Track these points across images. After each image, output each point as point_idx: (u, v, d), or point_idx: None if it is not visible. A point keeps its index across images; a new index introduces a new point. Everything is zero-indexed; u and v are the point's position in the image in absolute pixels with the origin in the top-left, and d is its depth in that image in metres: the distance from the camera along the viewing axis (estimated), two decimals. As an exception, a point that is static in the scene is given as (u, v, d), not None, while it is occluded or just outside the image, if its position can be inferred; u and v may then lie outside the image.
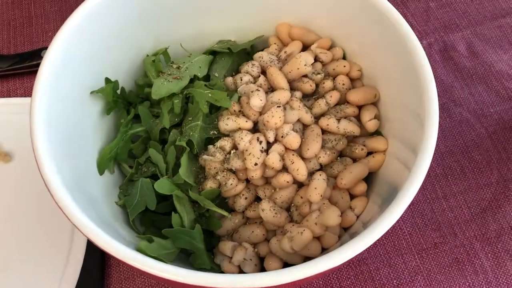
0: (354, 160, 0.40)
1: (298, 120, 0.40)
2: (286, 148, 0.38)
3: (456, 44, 0.59)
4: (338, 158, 0.40)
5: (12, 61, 0.55)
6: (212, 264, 0.38)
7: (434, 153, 0.33)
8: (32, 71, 0.55)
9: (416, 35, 0.38)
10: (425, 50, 0.37)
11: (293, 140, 0.38)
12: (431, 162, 0.33)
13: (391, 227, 0.31)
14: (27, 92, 0.55)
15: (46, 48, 0.55)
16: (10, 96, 0.55)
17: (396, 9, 0.39)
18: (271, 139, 0.38)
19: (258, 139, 0.38)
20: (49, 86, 0.36)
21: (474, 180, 0.50)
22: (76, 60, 0.39)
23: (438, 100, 0.35)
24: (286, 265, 0.38)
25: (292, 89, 0.42)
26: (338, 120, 0.40)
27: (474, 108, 0.55)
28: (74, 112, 0.39)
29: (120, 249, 0.30)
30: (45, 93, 0.36)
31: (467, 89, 0.56)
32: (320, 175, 0.38)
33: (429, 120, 0.34)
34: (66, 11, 0.61)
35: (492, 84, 0.56)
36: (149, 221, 0.41)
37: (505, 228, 0.47)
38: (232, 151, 0.39)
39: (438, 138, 0.34)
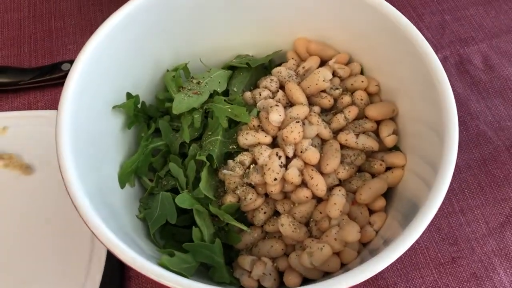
0: (373, 175, 0.40)
1: (317, 135, 0.40)
2: (305, 163, 0.39)
3: (471, 57, 0.59)
4: (357, 173, 0.40)
5: (33, 74, 0.56)
6: (231, 278, 0.38)
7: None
8: (53, 84, 0.56)
9: (432, 49, 0.38)
10: (440, 63, 0.37)
11: (312, 155, 0.38)
12: (449, 176, 0.33)
13: (410, 243, 0.31)
14: (48, 105, 0.56)
15: (66, 61, 0.57)
16: (31, 109, 0.56)
17: (412, 23, 0.39)
18: (290, 154, 0.39)
19: (277, 154, 0.38)
20: (74, 100, 0.37)
21: (492, 194, 0.50)
22: (99, 75, 0.40)
23: (455, 113, 0.35)
24: (305, 279, 0.38)
25: (311, 104, 0.42)
26: (357, 135, 0.40)
27: (491, 121, 0.55)
28: (97, 126, 0.40)
29: (145, 264, 0.30)
30: (70, 106, 0.36)
31: (484, 102, 0.56)
32: (339, 190, 0.38)
33: (448, 136, 0.34)
34: (86, 25, 0.62)
35: (508, 97, 0.56)
36: (169, 234, 0.41)
37: (523, 243, 0.47)
38: (251, 166, 0.39)
39: (455, 152, 0.34)
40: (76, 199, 0.32)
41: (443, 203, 0.50)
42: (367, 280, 0.46)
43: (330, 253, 0.36)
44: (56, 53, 0.60)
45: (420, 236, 0.48)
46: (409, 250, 0.47)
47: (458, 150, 0.54)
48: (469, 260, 0.46)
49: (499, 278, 0.45)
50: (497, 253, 0.47)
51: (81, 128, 0.37)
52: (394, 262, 0.47)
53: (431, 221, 0.49)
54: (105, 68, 0.40)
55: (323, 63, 0.46)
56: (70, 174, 0.33)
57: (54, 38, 0.61)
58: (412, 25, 0.39)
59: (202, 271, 0.39)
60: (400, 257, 0.48)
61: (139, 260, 0.30)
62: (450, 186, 0.51)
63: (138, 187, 0.44)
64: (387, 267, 0.47)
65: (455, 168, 0.53)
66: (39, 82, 0.56)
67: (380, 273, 0.46)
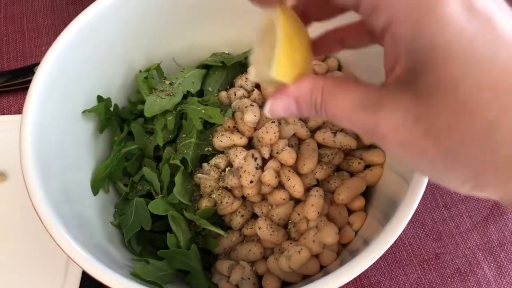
0: (352, 174, 0.39)
1: (294, 135, 0.39)
2: (282, 164, 0.38)
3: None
4: (335, 172, 0.39)
5: (5, 78, 0.54)
6: (209, 283, 0.38)
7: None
8: (26, 88, 0.54)
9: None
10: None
11: (289, 156, 0.37)
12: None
13: (391, 241, 0.31)
14: (21, 109, 0.54)
15: (39, 63, 0.55)
16: (3, 114, 0.54)
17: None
18: (266, 156, 0.38)
19: (253, 156, 0.37)
20: (39, 106, 0.36)
21: (475, 188, 0.49)
22: (67, 77, 0.38)
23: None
24: (284, 283, 0.37)
25: (287, 102, 0.41)
26: (334, 133, 0.39)
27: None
28: (66, 131, 0.38)
29: (112, 276, 0.29)
30: (35, 112, 0.35)
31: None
32: (317, 191, 0.37)
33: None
34: (59, 25, 0.60)
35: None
36: (145, 240, 0.40)
37: (507, 236, 0.46)
38: (227, 169, 0.38)
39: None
40: (38, 207, 0.31)
41: (427, 198, 0.50)
42: (350, 280, 0.45)
43: (308, 256, 0.35)
44: (29, 55, 0.58)
45: (404, 232, 0.48)
46: (392, 247, 0.46)
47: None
48: (453, 255, 0.46)
49: (483, 272, 0.45)
50: (481, 247, 0.46)
51: (47, 134, 0.35)
52: (377, 260, 0.47)
53: (415, 217, 0.49)
54: (73, 70, 0.39)
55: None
56: (33, 182, 0.32)
57: (26, 40, 0.60)
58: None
59: (180, 277, 0.38)
60: (383, 254, 0.47)
61: (107, 273, 0.29)
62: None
63: (113, 192, 0.42)
64: (371, 265, 0.46)
65: (438, 162, 0.52)
66: (11, 86, 0.54)
67: (363, 271, 0.45)
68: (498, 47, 0.18)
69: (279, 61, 0.22)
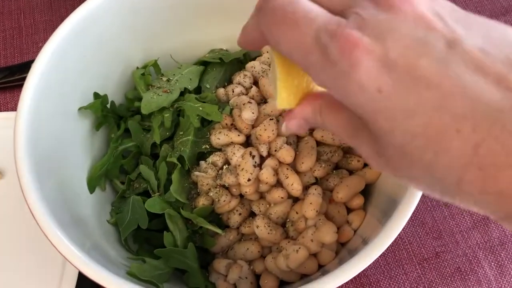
0: (351, 172, 0.39)
1: (292, 132, 0.39)
2: (280, 162, 0.37)
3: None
4: (334, 170, 0.39)
5: (1, 75, 0.54)
6: (206, 282, 0.37)
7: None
8: (23, 84, 0.54)
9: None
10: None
11: (287, 154, 0.37)
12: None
13: (391, 239, 0.30)
14: (18, 106, 0.54)
15: (35, 60, 0.55)
16: (0, 110, 0.54)
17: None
18: (264, 153, 0.37)
19: (251, 154, 0.37)
20: (33, 103, 0.35)
21: (476, 186, 0.49)
22: (63, 74, 0.38)
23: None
24: (282, 282, 0.37)
25: (286, 99, 0.41)
26: (333, 131, 0.39)
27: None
28: (62, 128, 0.38)
29: (107, 276, 0.29)
30: (30, 109, 0.35)
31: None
32: (315, 189, 0.36)
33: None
34: (56, 21, 0.60)
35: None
36: (142, 238, 0.40)
37: (508, 235, 0.46)
38: (224, 167, 0.38)
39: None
40: (32, 206, 0.31)
41: (427, 196, 0.49)
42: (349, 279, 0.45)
43: (306, 255, 0.34)
44: (26, 51, 0.58)
45: (403, 231, 0.47)
46: (392, 246, 0.46)
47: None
48: (453, 254, 0.45)
49: (483, 272, 0.44)
50: (482, 246, 0.46)
51: (42, 131, 0.35)
52: (376, 259, 0.47)
53: (415, 215, 0.48)
54: (69, 67, 0.38)
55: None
56: (27, 180, 0.31)
57: (24, 36, 0.59)
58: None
59: (177, 276, 0.38)
60: (383, 253, 0.47)
61: (101, 272, 0.29)
62: (434, 178, 0.50)
63: (110, 190, 0.42)
64: (370, 264, 0.46)
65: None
66: (8, 83, 0.54)
67: (362, 270, 0.45)
68: (418, 92, 0.19)
69: (280, 95, 0.25)
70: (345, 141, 0.25)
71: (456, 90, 0.18)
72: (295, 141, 0.39)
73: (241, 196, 0.38)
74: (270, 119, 0.37)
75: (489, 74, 0.18)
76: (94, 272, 0.29)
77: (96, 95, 0.41)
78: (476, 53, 0.19)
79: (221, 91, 0.42)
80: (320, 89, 0.26)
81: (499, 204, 0.19)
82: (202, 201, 0.38)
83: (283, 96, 0.25)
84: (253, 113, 0.38)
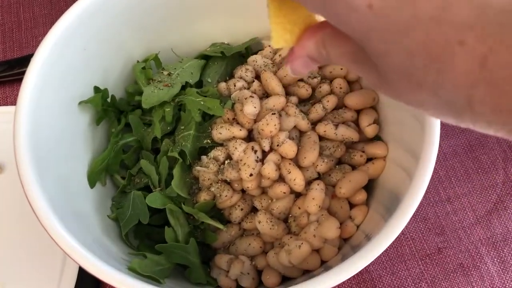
0: (353, 167, 0.39)
1: (295, 127, 0.38)
2: (282, 157, 0.37)
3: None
4: (337, 165, 0.39)
5: (1, 69, 0.53)
6: (208, 278, 0.37)
7: (437, 154, 0.32)
8: (22, 78, 0.54)
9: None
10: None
11: (289, 148, 0.36)
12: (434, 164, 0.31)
13: (393, 236, 0.30)
14: (18, 100, 0.53)
15: (35, 54, 0.54)
16: None
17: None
18: (267, 148, 0.37)
19: (253, 148, 0.36)
20: (34, 96, 0.35)
21: (479, 181, 0.48)
22: (63, 68, 0.37)
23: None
24: (284, 278, 0.37)
25: (288, 94, 0.40)
26: (336, 125, 0.38)
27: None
28: (62, 123, 0.38)
29: (107, 270, 0.28)
30: (30, 103, 0.34)
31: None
32: (318, 184, 0.36)
33: (429, 122, 0.33)
34: (56, 15, 0.59)
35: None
36: (143, 234, 0.40)
37: (511, 231, 0.46)
38: (226, 162, 0.38)
39: (440, 137, 0.32)
40: (32, 201, 0.30)
41: (429, 192, 0.49)
42: (351, 275, 0.45)
43: (308, 251, 0.34)
44: (26, 45, 0.58)
45: (406, 227, 0.47)
46: (394, 241, 0.45)
47: (444, 136, 0.52)
48: (456, 250, 0.45)
49: (486, 267, 0.44)
50: (484, 242, 0.45)
51: (42, 125, 0.35)
52: (379, 255, 0.47)
53: (417, 211, 0.48)
54: (69, 61, 0.38)
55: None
56: (27, 175, 0.31)
57: (23, 29, 0.59)
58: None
59: (178, 272, 0.38)
60: (385, 249, 0.47)
61: (103, 268, 0.28)
62: (436, 174, 0.50)
63: (110, 185, 0.42)
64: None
65: (441, 155, 0.51)
66: (7, 77, 0.54)
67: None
68: (413, 2, 0.17)
69: (274, 31, 0.23)
70: (352, 71, 0.23)
71: None
72: (298, 136, 0.38)
73: (243, 191, 0.38)
74: (272, 114, 0.37)
75: None
76: (95, 267, 0.28)
77: (96, 89, 0.40)
78: None
79: (222, 85, 0.42)
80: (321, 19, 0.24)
81: None
82: (203, 196, 0.37)
83: (278, 34, 0.24)
84: (255, 107, 0.37)
